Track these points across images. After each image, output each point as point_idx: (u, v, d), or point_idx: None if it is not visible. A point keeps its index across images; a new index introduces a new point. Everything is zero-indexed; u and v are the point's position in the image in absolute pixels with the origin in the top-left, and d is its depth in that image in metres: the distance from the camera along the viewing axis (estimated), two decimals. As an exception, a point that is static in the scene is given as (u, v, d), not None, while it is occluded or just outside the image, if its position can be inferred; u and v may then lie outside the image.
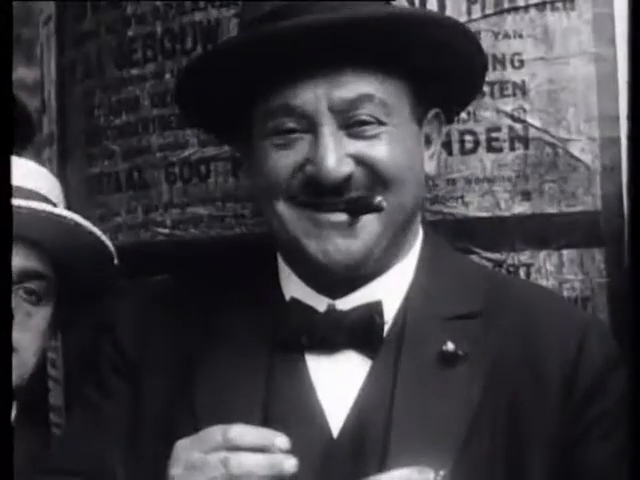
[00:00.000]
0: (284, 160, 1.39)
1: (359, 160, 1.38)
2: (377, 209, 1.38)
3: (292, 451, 1.27)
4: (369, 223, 1.39)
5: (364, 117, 1.38)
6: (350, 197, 1.38)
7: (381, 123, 1.39)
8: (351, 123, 1.38)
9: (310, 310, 1.44)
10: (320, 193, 1.37)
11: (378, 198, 1.37)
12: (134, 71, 1.97)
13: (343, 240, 1.38)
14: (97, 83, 2.05)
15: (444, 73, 1.46)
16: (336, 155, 1.36)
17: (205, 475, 1.24)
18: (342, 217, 1.38)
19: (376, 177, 1.39)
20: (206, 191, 1.88)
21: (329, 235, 1.38)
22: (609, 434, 1.38)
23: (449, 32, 1.42)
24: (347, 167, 1.37)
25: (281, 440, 1.24)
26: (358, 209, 1.38)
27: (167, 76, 1.92)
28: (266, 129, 1.41)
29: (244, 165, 1.56)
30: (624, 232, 1.69)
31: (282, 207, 1.41)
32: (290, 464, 1.23)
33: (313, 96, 1.37)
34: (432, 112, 1.50)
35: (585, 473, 1.38)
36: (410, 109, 1.43)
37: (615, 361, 1.42)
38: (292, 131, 1.39)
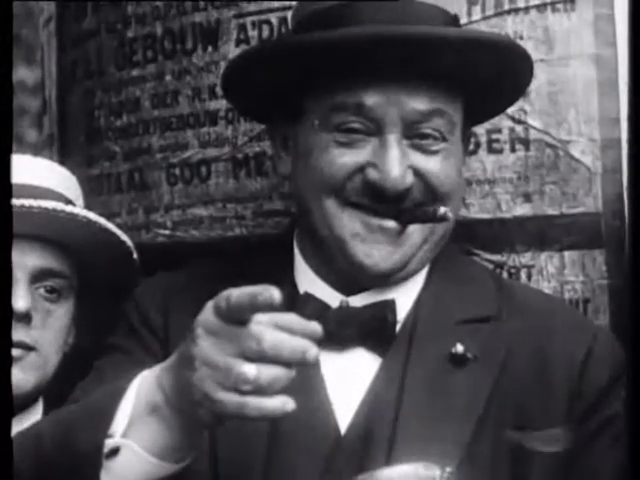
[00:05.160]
0: (344, 159, 1.40)
1: (417, 172, 1.40)
2: (442, 219, 1.40)
3: (299, 446, 1.26)
4: (413, 234, 1.41)
5: (430, 131, 1.40)
6: (406, 206, 1.40)
7: (443, 139, 1.41)
8: (416, 134, 1.40)
9: (322, 305, 1.44)
10: (378, 199, 1.39)
11: (443, 209, 1.39)
12: (134, 72, 1.97)
13: (388, 247, 1.40)
14: (97, 84, 2.05)
15: (497, 94, 1.51)
16: (402, 165, 1.38)
17: (235, 347, 1.14)
18: (392, 224, 1.40)
19: (429, 191, 1.41)
20: (207, 192, 1.88)
21: (377, 240, 1.40)
22: (615, 440, 1.39)
23: (514, 57, 1.44)
24: (409, 178, 1.39)
25: (314, 327, 1.15)
26: (419, 219, 1.40)
27: (167, 77, 1.92)
28: (329, 123, 1.40)
29: (280, 153, 1.52)
30: (625, 233, 1.68)
31: (331, 204, 1.41)
32: (313, 353, 1.13)
33: (387, 101, 1.38)
34: (469, 132, 1.53)
35: (589, 477, 1.39)
36: (462, 128, 1.46)
37: (623, 369, 1.42)
38: (356, 131, 1.40)
